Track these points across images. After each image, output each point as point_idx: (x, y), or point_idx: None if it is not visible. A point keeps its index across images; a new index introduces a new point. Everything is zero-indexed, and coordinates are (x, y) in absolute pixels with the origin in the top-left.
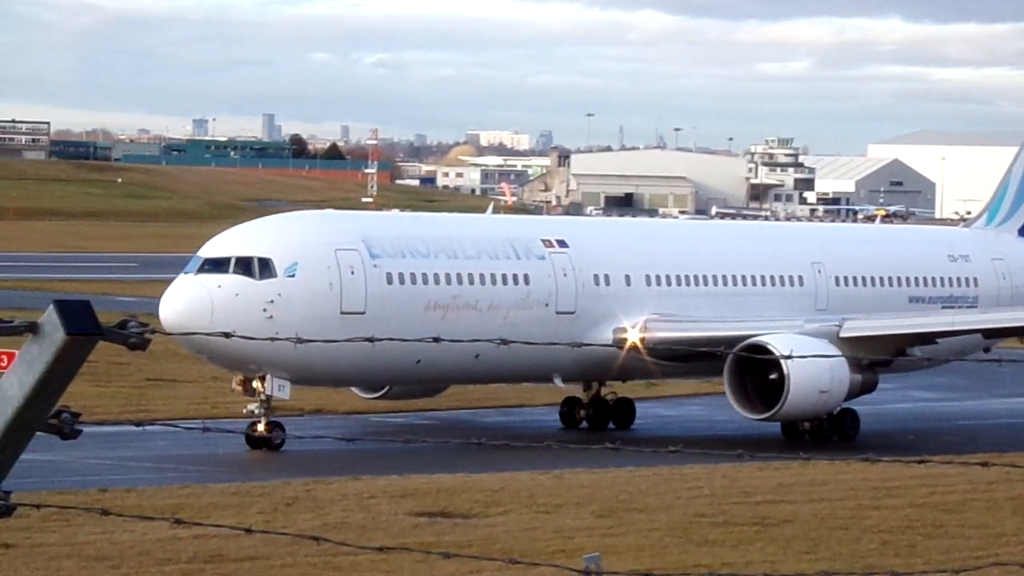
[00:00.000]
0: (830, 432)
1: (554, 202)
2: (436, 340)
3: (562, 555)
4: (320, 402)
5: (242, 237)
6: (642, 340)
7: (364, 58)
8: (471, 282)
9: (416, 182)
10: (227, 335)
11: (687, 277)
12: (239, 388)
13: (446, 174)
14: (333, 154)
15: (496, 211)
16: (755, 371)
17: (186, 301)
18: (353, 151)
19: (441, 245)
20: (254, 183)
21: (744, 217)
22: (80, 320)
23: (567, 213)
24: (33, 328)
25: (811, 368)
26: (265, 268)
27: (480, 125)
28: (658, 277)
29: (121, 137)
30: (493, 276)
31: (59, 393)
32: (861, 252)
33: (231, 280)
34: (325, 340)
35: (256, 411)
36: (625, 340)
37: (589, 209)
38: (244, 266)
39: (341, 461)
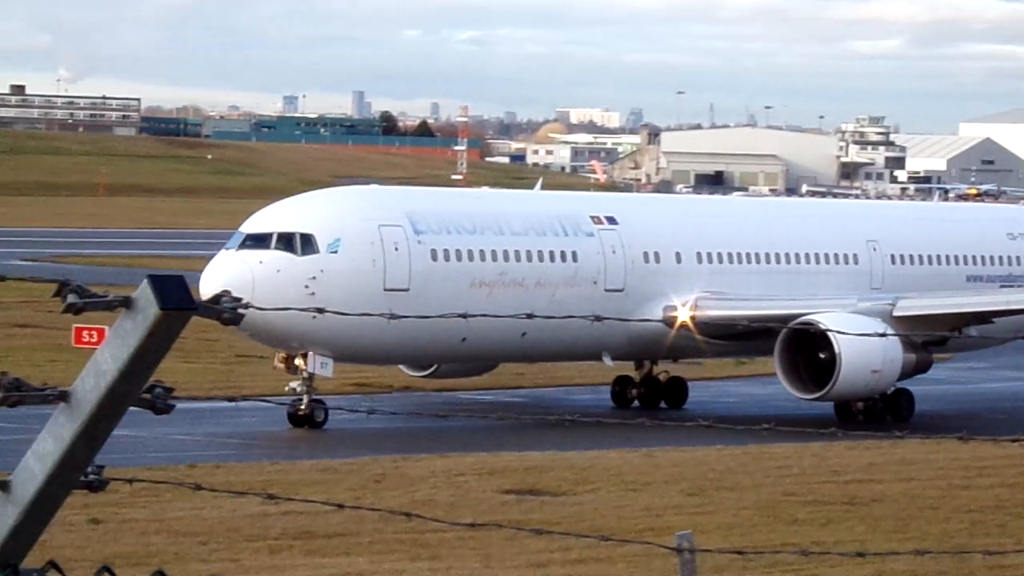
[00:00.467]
0: (883, 412)
1: (644, 180)
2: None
3: (651, 533)
4: (409, 380)
5: (284, 212)
6: (692, 318)
7: (455, 35)
8: (518, 259)
9: (506, 159)
10: (320, 311)
11: (739, 255)
12: (281, 366)
13: (536, 152)
14: (423, 131)
15: (588, 186)
16: (806, 350)
17: (227, 277)
18: (443, 128)
19: (487, 221)
20: (344, 160)
21: (835, 195)
22: (174, 295)
23: (657, 191)
24: (127, 303)
25: (863, 347)
26: (307, 244)
27: (570, 103)
28: (709, 255)
29: (211, 114)
30: (540, 253)
31: (152, 368)
32: (917, 230)
33: (273, 256)
34: (418, 316)
35: (298, 389)
36: (675, 318)
37: (679, 187)
38: (286, 242)
39: (430, 438)
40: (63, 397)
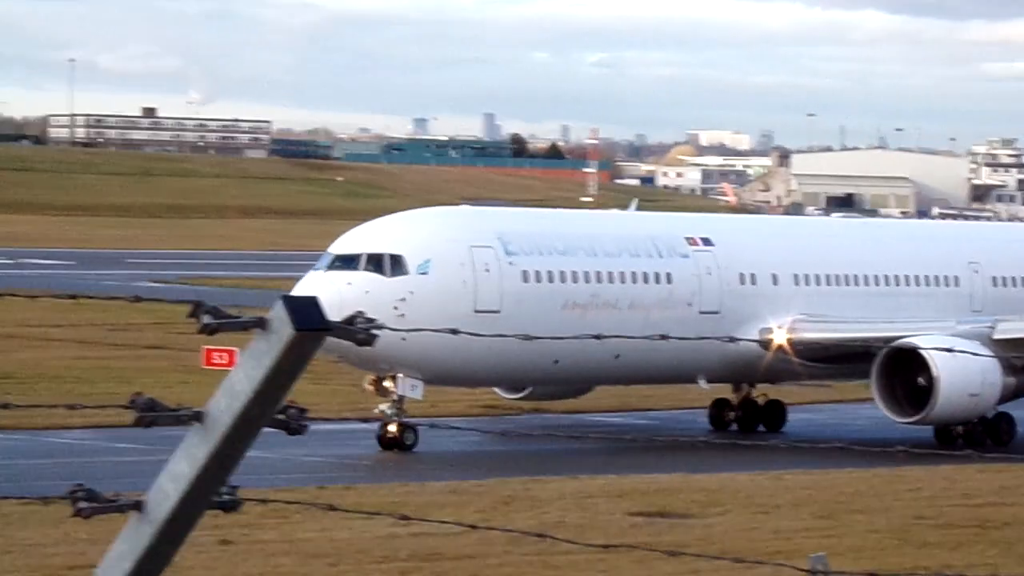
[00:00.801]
0: (983, 436)
1: (774, 202)
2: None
3: (781, 555)
4: (538, 402)
5: (374, 233)
6: (789, 341)
7: (584, 57)
8: (611, 280)
9: (636, 181)
10: (454, 332)
11: (837, 277)
12: (371, 388)
13: (665, 173)
14: (553, 153)
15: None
16: (904, 373)
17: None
18: (573, 150)
19: (580, 242)
20: (474, 182)
21: (966, 217)
22: (308, 316)
23: (787, 213)
24: (261, 323)
25: (961, 370)
26: (397, 265)
27: (700, 125)
28: (807, 276)
29: (342, 136)
30: (634, 274)
31: (286, 389)
32: (1020, 251)
33: (361, 277)
34: (547, 336)
35: (388, 411)
36: (771, 340)
37: (810, 209)
38: (375, 263)
39: (559, 460)
40: (197, 418)
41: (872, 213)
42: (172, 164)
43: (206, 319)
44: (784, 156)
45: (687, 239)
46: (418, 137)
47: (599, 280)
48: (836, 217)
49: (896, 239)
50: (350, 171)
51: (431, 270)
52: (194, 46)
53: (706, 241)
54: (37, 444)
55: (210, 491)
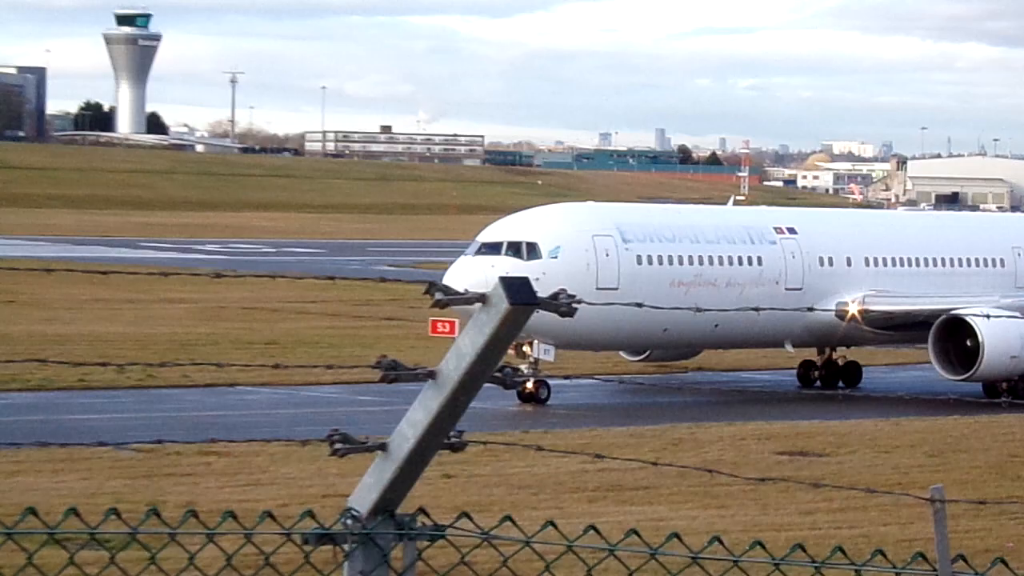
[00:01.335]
0: None
1: (893, 200)
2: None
3: (899, 487)
4: (702, 361)
5: (514, 224)
6: (860, 312)
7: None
8: (711, 263)
9: (780, 183)
10: (639, 304)
11: (900, 259)
12: (511, 352)
13: (804, 177)
14: (712, 161)
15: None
16: (956, 339)
17: (465, 279)
18: (729, 158)
19: (685, 232)
20: (648, 185)
21: None
22: (521, 293)
23: (904, 208)
24: (483, 299)
25: (1003, 335)
26: (532, 250)
27: (833, 136)
28: (875, 259)
29: (541, 147)
30: (730, 258)
31: (503, 352)
32: None
33: (503, 261)
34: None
35: (525, 371)
36: (846, 312)
37: (922, 205)
38: (515, 249)
39: (717, 409)
40: (431, 375)
41: (974, 208)
42: (404, 171)
43: (438, 296)
44: (901, 162)
45: (775, 228)
46: (603, 148)
47: (701, 263)
48: (940, 211)
49: (952, 228)
50: (548, 176)
51: (560, 254)
52: (423, 75)
53: (791, 230)
54: (296, 397)
55: (441, 435)
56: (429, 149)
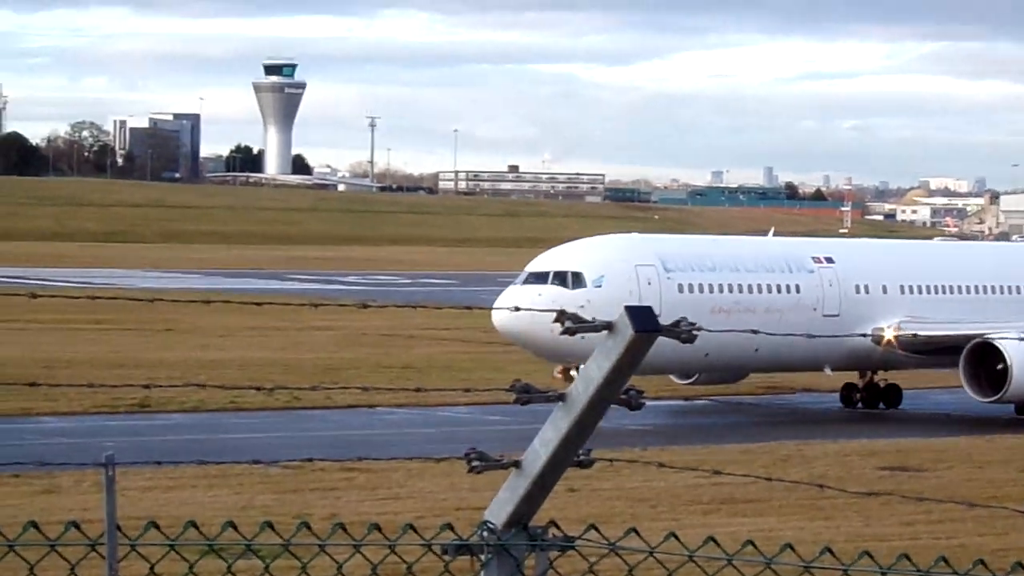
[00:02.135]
0: None
1: (987, 232)
2: (698, 330)
3: (995, 500)
4: (808, 382)
5: (560, 255)
6: (895, 337)
7: (841, 123)
8: (750, 291)
9: (880, 217)
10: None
11: (935, 287)
12: (560, 376)
13: (903, 211)
14: (817, 196)
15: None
16: (986, 363)
17: (513, 306)
18: (833, 194)
19: (726, 261)
20: (757, 219)
21: None
22: (644, 320)
23: (997, 240)
24: (609, 327)
25: None
26: (577, 280)
27: (930, 173)
28: (910, 287)
29: (658, 185)
30: (769, 286)
31: (627, 376)
32: None
33: (549, 289)
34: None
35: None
36: (882, 337)
37: (1014, 237)
38: (560, 278)
39: (824, 426)
40: (561, 398)
41: None
42: (531, 207)
43: (568, 324)
44: (994, 197)
45: (813, 258)
46: (715, 185)
47: (741, 291)
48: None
49: (983, 256)
50: (664, 211)
51: (604, 283)
52: (548, 118)
53: (829, 259)
54: (432, 417)
55: (571, 453)
56: (553, 187)
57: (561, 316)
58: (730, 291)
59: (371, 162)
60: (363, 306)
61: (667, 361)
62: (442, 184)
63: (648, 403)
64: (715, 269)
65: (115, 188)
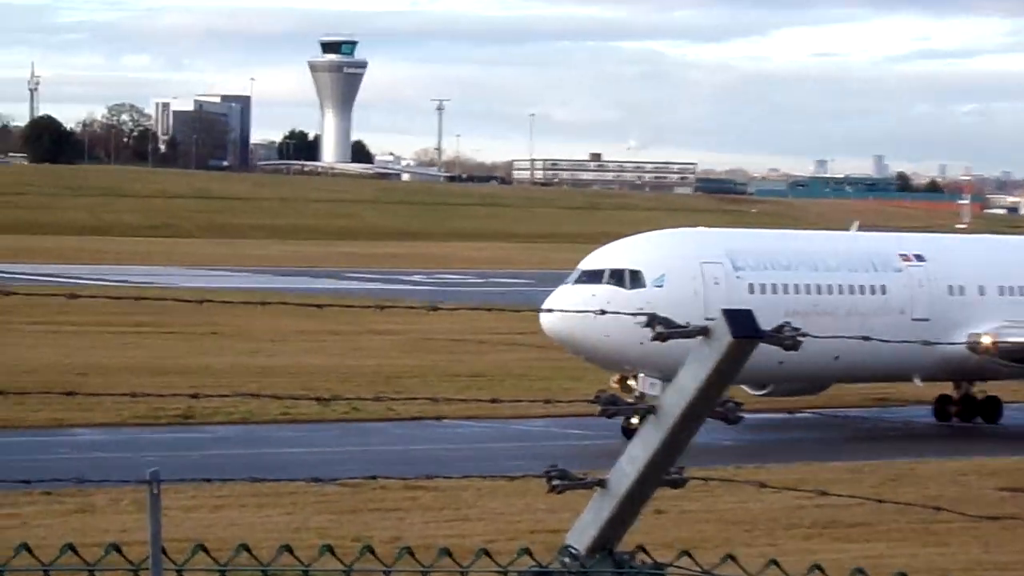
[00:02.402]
0: None
1: None
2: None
3: None
4: (921, 393)
5: (617, 252)
6: (994, 344)
7: (959, 108)
8: (830, 292)
9: (1003, 211)
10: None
11: None
12: (616, 386)
13: None
14: (932, 188)
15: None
16: None
17: (564, 308)
18: (949, 185)
19: (803, 258)
20: (865, 213)
21: None
22: (744, 325)
23: None
24: (705, 332)
25: None
26: (635, 279)
27: None
28: (1010, 288)
29: (755, 175)
30: (852, 287)
31: (725, 387)
32: None
33: (604, 290)
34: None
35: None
36: (979, 344)
37: None
38: (617, 277)
39: (936, 443)
40: (651, 411)
41: None
42: (614, 199)
43: (659, 328)
44: None
45: (901, 255)
46: (818, 175)
47: (819, 292)
48: None
49: None
50: (761, 204)
51: (666, 283)
52: (632, 101)
53: (919, 257)
54: (505, 431)
55: (661, 471)
56: (640, 177)
57: (652, 320)
58: (807, 292)
59: (438, 149)
60: (432, 308)
61: (742, 370)
62: (516, 174)
63: (745, 416)
64: (790, 267)
65: (157, 177)
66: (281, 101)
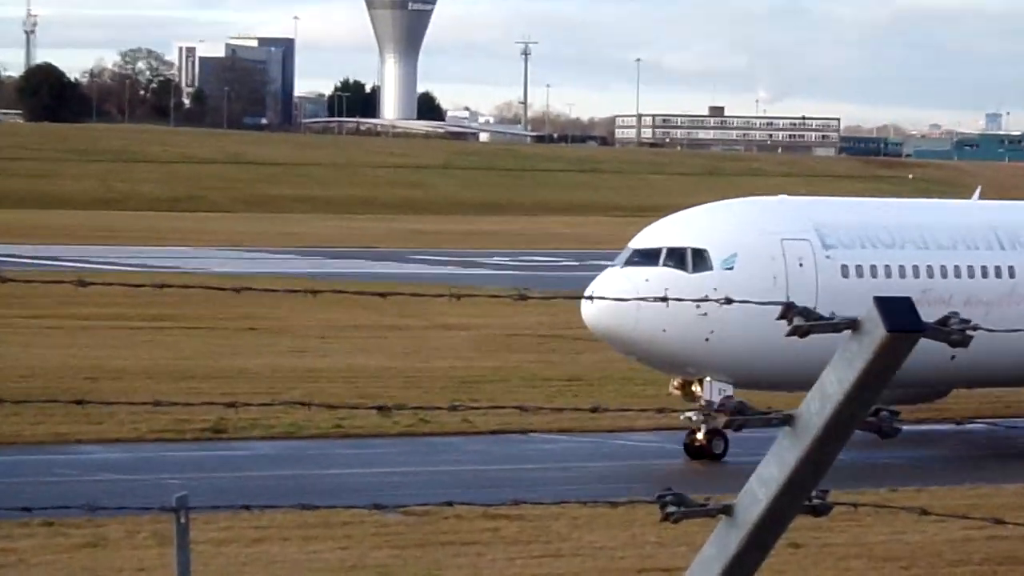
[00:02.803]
0: None
1: None
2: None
3: None
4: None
5: (676, 226)
6: None
7: None
8: (943, 275)
9: None
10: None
11: None
12: (677, 392)
13: None
14: None
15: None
16: None
17: (610, 296)
18: None
19: (909, 234)
20: None
21: None
22: (901, 317)
23: None
24: (853, 325)
25: None
26: (700, 260)
27: None
28: None
29: (912, 132)
30: (971, 268)
31: (878, 391)
32: None
33: (660, 273)
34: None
35: (694, 418)
36: None
37: None
38: (677, 258)
39: None
40: (787, 421)
41: None
42: (739, 163)
43: (797, 320)
44: None
45: None
46: (990, 132)
47: (930, 275)
48: None
49: None
50: (921, 168)
51: (737, 265)
52: (762, 44)
53: None
54: (604, 446)
55: (801, 495)
56: (771, 136)
57: (788, 311)
58: (915, 275)
59: (524, 103)
60: (519, 296)
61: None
62: (619, 132)
63: (903, 428)
64: (894, 245)
65: (181, 139)
66: (332, 45)
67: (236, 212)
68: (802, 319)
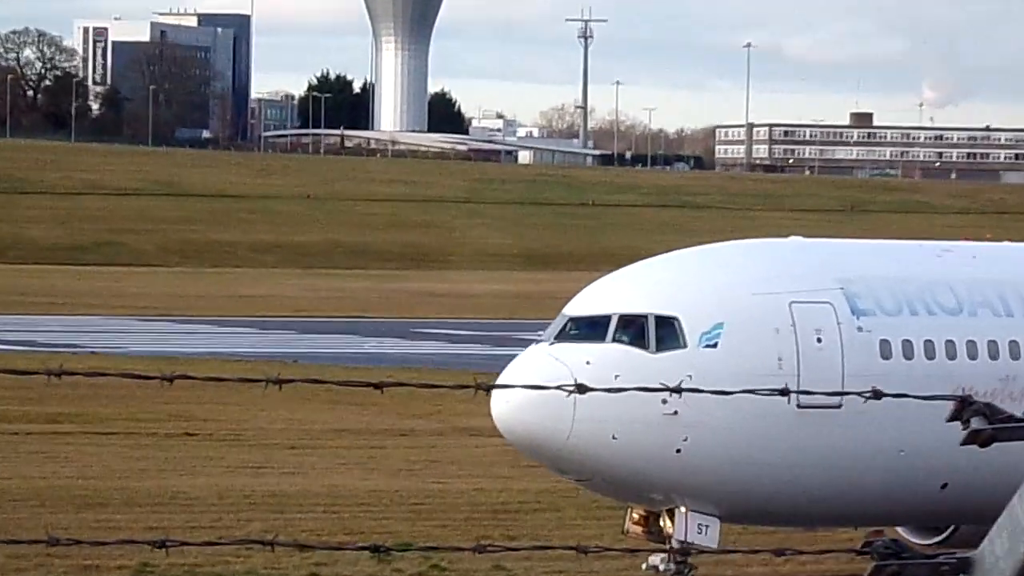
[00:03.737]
0: None
1: None
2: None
3: None
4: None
5: (633, 283)
6: None
7: None
8: None
9: None
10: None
11: None
12: (638, 529)
13: None
14: None
15: None
16: None
17: (525, 383)
18: None
19: (984, 292)
20: None
21: None
22: None
23: None
24: None
25: None
26: (667, 333)
27: None
28: None
29: None
30: None
31: None
32: None
33: (608, 352)
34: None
35: (661, 568)
36: None
37: None
38: (634, 330)
39: None
40: (963, 568)
41: None
42: (894, 194)
43: (976, 422)
44: None
45: None
46: None
47: (1013, 355)
48: None
49: None
50: None
51: (724, 340)
52: (927, 22)
53: None
54: None
55: None
56: (940, 155)
57: (962, 406)
58: (992, 356)
59: (583, 108)
60: (576, 388)
61: (868, 501)
62: (721, 150)
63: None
64: (962, 310)
65: (86, 159)
66: (305, 26)
67: (167, 266)
68: (983, 420)
